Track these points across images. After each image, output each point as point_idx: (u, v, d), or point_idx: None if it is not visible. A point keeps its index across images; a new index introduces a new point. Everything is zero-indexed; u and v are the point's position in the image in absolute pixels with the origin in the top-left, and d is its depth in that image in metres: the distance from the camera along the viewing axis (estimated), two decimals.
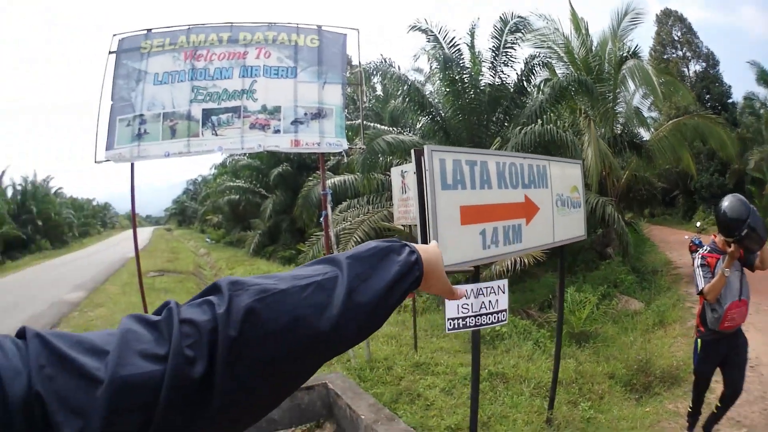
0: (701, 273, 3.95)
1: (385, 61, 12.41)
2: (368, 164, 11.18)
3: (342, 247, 10.35)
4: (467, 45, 11.73)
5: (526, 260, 8.81)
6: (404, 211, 5.64)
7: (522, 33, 11.33)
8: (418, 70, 15.83)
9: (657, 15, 29.91)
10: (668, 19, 29.62)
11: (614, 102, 13.33)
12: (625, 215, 14.00)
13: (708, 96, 25.69)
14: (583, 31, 13.53)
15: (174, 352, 0.54)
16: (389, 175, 6.12)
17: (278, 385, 0.65)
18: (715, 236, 4.08)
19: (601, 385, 5.84)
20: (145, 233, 55.29)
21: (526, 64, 11.46)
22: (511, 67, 11.37)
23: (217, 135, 5.70)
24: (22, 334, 0.53)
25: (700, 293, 3.94)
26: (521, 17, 11.24)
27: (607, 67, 13.30)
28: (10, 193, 32.38)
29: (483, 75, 11.56)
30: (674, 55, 28.74)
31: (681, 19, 29.60)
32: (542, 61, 12.03)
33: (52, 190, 39.67)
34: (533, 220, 3.89)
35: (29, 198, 33.19)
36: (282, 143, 5.81)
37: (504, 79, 11.45)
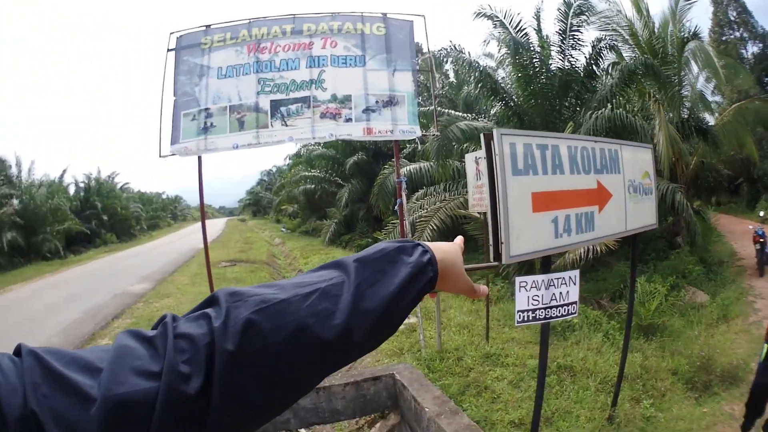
0: None
1: (455, 48, 12.14)
2: (443, 151, 11.14)
3: (418, 235, 10.41)
4: (534, 29, 11.55)
5: (598, 248, 8.64)
6: (479, 198, 5.50)
7: (586, 15, 11.04)
8: (489, 56, 15.57)
9: None
10: None
11: (680, 85, 12.73)
12: (693, 203, 13.42)
13: (767, 78, 24.30)
14: (644, 13, 12.95)
15: (168, 368, 0.53)
16: (464, 162, 5.99)
17: (280, 396, 0.62)
18: None
19: (664, 381, 5.76)
20: (218, 224, 57.87)
21: (593, 47, 11.22)
22: (579, 50, 11.18)
23: (287, 125, 5.71)
24: (18, 351, 0.52)
25: None
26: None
27: (671, 50, 12.69)
28: (72, 190, 33.56)
29: (552, 59, 11.34)
30: (732, 37, 27.44)
31: None
32: (609, 44, 11.70)
33: (118, 186, 41.04)
34: (606, 207, 3.74)
35: (93, 194, 34.41)
36: (354, 131, 5.77)
37: (573, 62, 11.23)
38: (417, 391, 3.77)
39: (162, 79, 5.91)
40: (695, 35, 12.33)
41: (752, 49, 26.98)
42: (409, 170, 13.17)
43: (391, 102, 5.75)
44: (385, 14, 5.98)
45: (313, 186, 25.16)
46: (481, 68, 11.82)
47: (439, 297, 6.56)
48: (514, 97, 11.88)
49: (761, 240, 10.17)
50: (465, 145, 11.48)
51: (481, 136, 3.08)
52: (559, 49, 11.17)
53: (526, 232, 3.06)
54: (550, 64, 11.27)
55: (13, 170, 26.33)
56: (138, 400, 0.50)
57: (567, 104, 11.47)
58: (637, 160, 4.27)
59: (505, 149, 2.97)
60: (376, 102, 5.74)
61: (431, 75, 7.15)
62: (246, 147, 5.70)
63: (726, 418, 4.98)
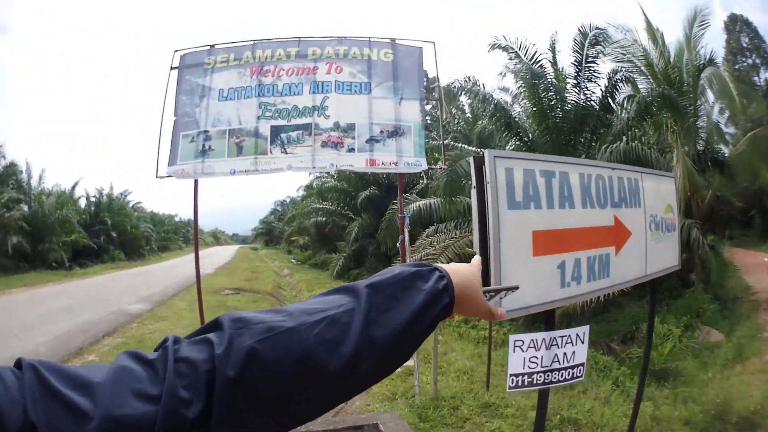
0: None
1: (469, 80, 12.01)
2: (450, 187, 10.64)
3: None
4: (549, 61, 11.42)
5: None
6: None
7: (602, 46, 10.91)
8: (504, 89, 15.50)
9: (724, 22, 29.19)
10: (735, 24, 28.74)
11: (696, 116, 12.50)
12: (707, 238, 13.11)
13: None
14: (660, 42, 12.85)
15: (167, 392, 0.52)
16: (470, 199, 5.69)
17: (280, 425, 0.61)
18: None
19: None
20: (228, 251, 58.04)
21: (609, 79, 11.00)
22: (595, 82, 10.96)
23: (286, 153, 5.45)
24: (19, 364, 0.53)
25: None
26: (599, 28, 10.84)
27: (686, 78, 12.54)
28: (83, 203, 33.82)
29: (568, 92, 11.15)
30: (745, 64, 27.36)
31: (747, 24, 28.59)
32: (624, 76, 11.47)
33: (130, 204, 41.23)
34: (624, 248, 3.14)
35: (103, 209, 34.50)
36: (356, 162, 5.49)
37: (589, 96, 11.02)
38: None
39: (164, 98, 5.72)
40: (711, 61, 12.22)
41: (765, 75, 27.08)
42: (419, 206, 12.82)
43: (396, 132, 5.47)
44: (393, 39, 5.76)
45: (324, 219, 25.03)
46: (495, 102, 11.63)
47: (436, 339, 6.23)
48: (529, 132, 11.66)
49: None
50: None
51: (470, 159, 2.55)
52: (575, 81, 10.98)
53: (526, 281, 2.49)
54: (566, 97, 11.07)
55: (23, 176, 26.47)
56: (136, 423, 0.50)
57: (582, 139, 11.24)
58: (659, 192, 3.71)
59: (500, 176, 2.42)
60: (381, 132, 5.46)
61: (440, 104, 6.88)
62: (243, 173, 5.45)
63: None
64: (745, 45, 27.96)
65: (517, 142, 11.72)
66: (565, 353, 2.85)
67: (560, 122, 10.81)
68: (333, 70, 5.60)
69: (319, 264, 27.89)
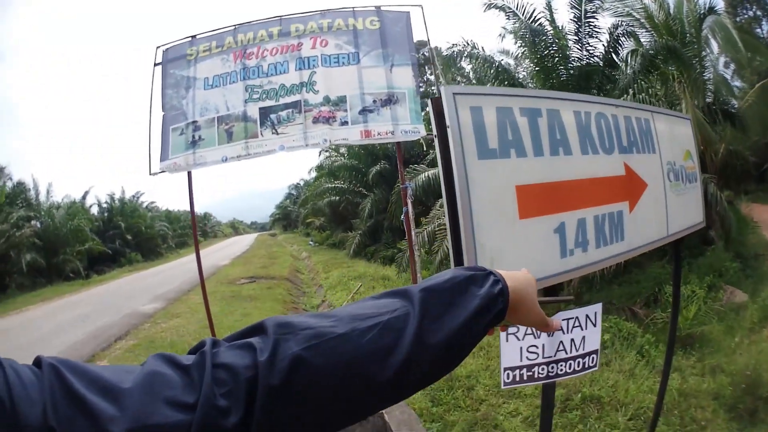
0: None
1: (468, 43, 11.72)
2: None
3: (438, 244, 9.96)
4: (547, 20, 11.15)
5: None
6: None
7: (600, 1, 10.60)
8: (505, 52, 15.20)
9: None
10: None
11: (702, 67, 12.11)
12: (724, 193, 12.77)
13: None
14: None
15: (204, 401, 0.49)
16: None
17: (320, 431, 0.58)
18: None
19: (705, 410, 4.95)
20: (246, 239, 58.19)
21: (611, 34, 10.74)
22: (597, 38, 10.73)
23: (277, 134, 5.28)
24: (38, 362, 0.50)
25: None
26: None
27: (688, 29, 12.14)
28: (96, 210, 33.95)
29: (570, 49, 10.91)
30: (746, 16, 26.61)
31: None
32: (626, 30, 11.20)
33: (144, 205, 41.43)
34: (639, 203, 2.51)
35: (116, 214, 34.63)
36: (351, 135, 5.28)
37: (591, 51, 10.79)
38: None
39: (150, 95, 5.66)
40: (711, 10, 11.80)
41: (767, 27, 26.17)
42: (428, 176, 12.61)
43: (390, 100, 5.25)
44: (378, 7, 5.53)
45: (337, 198, 24.74)
46: (497, 64, 11.47)
47: None
48: None
49: None
50: None
51: (428, 101, 2.01)
52: (576, 38, 10.73)
53: (511, 252, 1.93)
54: (569, 54, 10.84)
55: (32, 194, 26.67)
56: None
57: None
58: (675, 136, 3.05)
59: (464, 118, 1.83)
60: (374, 101, 5.26)
61: (433, 66, 6.65)
62: (235, 159, 5.31)
63: None
64: None
65: None
66: (572, 339, 2.27)
67: (565, 80, 10.59)
68: (318, 44, 5.41)
69: (336, 244, 27.64)
